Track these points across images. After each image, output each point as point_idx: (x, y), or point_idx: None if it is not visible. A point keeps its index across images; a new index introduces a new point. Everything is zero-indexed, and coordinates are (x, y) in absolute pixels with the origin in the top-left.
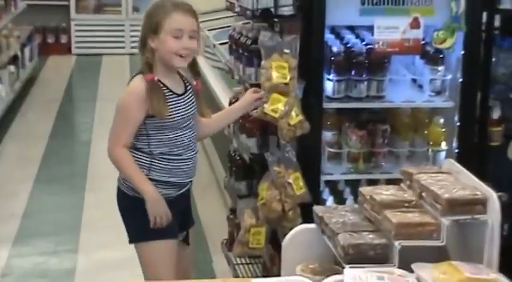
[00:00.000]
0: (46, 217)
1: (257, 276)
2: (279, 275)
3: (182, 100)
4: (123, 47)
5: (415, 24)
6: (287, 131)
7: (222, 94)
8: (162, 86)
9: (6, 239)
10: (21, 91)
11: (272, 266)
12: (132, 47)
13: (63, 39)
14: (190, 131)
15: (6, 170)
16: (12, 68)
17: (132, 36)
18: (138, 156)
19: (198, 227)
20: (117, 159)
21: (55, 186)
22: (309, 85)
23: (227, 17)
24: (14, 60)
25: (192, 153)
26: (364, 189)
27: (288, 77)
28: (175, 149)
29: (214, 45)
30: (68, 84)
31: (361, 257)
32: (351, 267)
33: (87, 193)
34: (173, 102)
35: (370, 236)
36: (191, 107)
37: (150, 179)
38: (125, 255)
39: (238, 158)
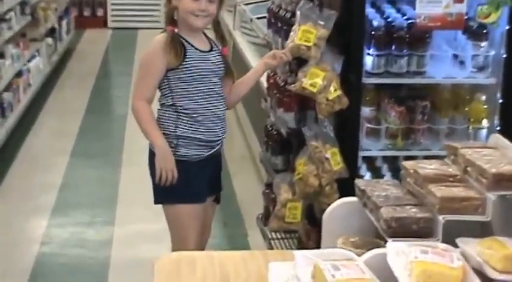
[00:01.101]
0: (83, 190)
1: None
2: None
3: (204, 56)
4: (158, 21)
5: None
6: (325, 106)
7: (254, 61)
8: (183, 40)
9: (45, 208)
10: (58, 64)
11: (308, 240)
12: None
13: (99, 12)
14: (214, 87)
15: (43, 143)
16: (50, 40)
17: None
18: (165, 112)
19: (233, 201)
20: (135, 112)
21: (91, 160)
22: (348, 60)
23: None
24: (52, 32)
25: (218, 110)
26: (407, 163)
27: (312, 42)
28: (198, 103)
29: (251, 20)
30: (104, 58)
31: (404, 230)
32: (393, 240)
33: (123, 168)
34: (193, 56)
35: (414, 209)
36: (215, 65)
37: (178, 136)
38: (160, 228)
39: (275, 132)
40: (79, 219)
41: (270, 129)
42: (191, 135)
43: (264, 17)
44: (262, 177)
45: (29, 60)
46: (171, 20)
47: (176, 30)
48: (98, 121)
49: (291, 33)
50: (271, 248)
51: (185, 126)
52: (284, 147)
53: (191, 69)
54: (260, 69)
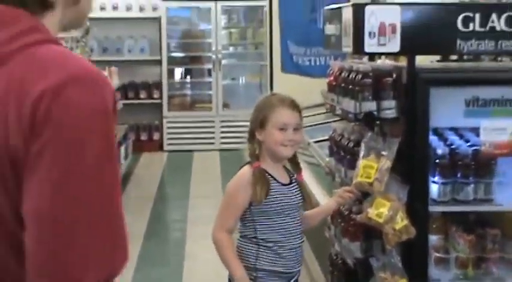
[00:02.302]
0: None
1: None
2: None
3: (287, 189)
4: (213, 143)
5: None
6: (392, 236)
7: (317, 190)
8: (267, 174)
9: None
10: None
11: None
12: (222, 143)
13: (156, 136)
14: (295, 220)
15: None
16: None
17: (222, 132)
18: (246, 245)
19: None
20: (216, 243)
21: None
22: (414, 188)
23: (319, 113)
24: None
25: (298, 241)
26: None
27: (373, 178)
28: (281, 236)
29: (308, 143)
30: (161, 182)
31: None
32: None
33: None
34: (277, 190)
35: None
36: (296, 197)
37: (258, 269)
38: None
39: (340, 261)
40: None
41: (335, 258)
42: (271, 268)
43: (322, 141)
44: None
45: None
46: (257, 156)
47: (260, 164)
48: (156, 247)
49: (356, 169)
50: None
51: (266, 259)
52: (351, 277)
53: (275, 204)
54: (331, 208)
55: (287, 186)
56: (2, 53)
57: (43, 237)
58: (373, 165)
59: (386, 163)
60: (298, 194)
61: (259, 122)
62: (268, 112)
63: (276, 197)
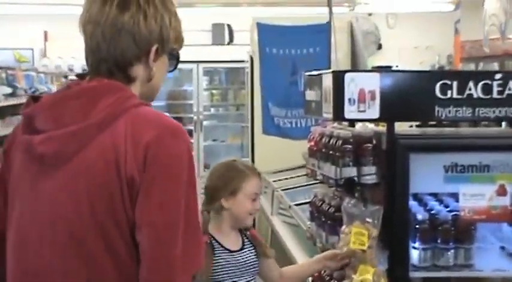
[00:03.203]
0: None
1: None
2: None
3: (237, 255)
4: None
5: (501, 191)
6: None
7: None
8: (214, 241)
9: None
10: None
11: None
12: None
13: None
14: None
15: None
16: None
17: (202, 194)
18: None
19: None
20: None
21: None
22: (394, 254)
23: (300, 176)
24: None
25: None
26: None
27: (366, 245)
28: None
29: (289, 206)
30: None
31: None
32: None
33: None
34: (224, 258)
35: None
36: (247, 262)
37: None
38: None
39: None
40: None
41: None
42: None
43: (303, 203)
44: None
45: None
46: (206, 225)
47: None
48: None
49: (342, 236)
50: None
51: None
52: None
53: (220, 274)
54: (315, 270)
55: (237, 253)
56: (117, 110)
57: (155, 241)
58: (364, 233)
59: (374, 231)
60: (251, 257)
61: (230, 191)
62: (240, 181)
63: (223, 266)
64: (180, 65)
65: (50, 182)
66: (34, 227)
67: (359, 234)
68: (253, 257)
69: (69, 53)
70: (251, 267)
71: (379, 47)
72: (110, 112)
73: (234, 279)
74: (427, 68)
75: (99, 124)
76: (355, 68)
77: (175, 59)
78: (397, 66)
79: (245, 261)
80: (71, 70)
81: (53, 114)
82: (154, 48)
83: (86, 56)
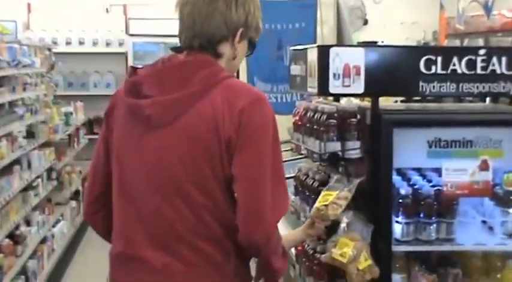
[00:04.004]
0: None
1: None
2: None
3: None
4: None
5: (484, 166)
6: (356, 276)
7: (280, 227)
8: None
9: None
10: (81, 226)
11: None
12: None
13: None
14: None
15: None
16: (74, 203)
17: None
18: None
19: None
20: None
21: None
22: (378, 228)
23: (285, 150)
24: (76, 195)
25: None
26: None
27: (329, 201)
28: None
29: None
30: None
31: None
32: None
33: None
34: None
35: None
36: None
37: None
38: None
39: None
40: None
41: None
42: None
43: (288, 178)
44: None
45: (54, 225)
46: None
47: None
48: None
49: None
50: None
51: None
52: None
53: None
54: (300, 238)
55: None
56: (212, 81)
57: (250, 192)
58: (331, 193)
59: (344, 194)
60: None
61: None
62: None
63: None
64: (164, 39)
65: (156, 141)
66: (142, 178)
67: (326, 195)
68: None
69: (53, 26)
70: None
71: (365, 22)
72: (207, 83)
73: None
74: (413, 44)
75: (197, 93)
76: (340, 43)
77: (253, 44)
78: (382, 42)
79: None
80: (54, 43)
81: (157, 82)
82: (240, 31)
83: (179, 32)
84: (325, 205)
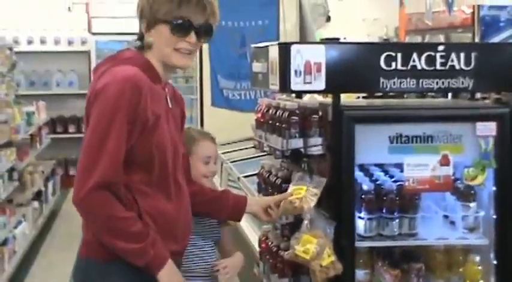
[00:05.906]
0: None
1: None
2: None
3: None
4: None
5: (444, 161)
6: (319, 273)
7: (244, 223)
8: None
9: None
10: (44, 227)
11: None
12: None
13: None
14: None
15: None
16: (36, 203)
17: None
18: None
19: None
20: None
21: None
22: (340, 224)
23: (248, 148)
24: (38, 195)
25: None
26: None
27: (302, 195)
28: None
29: (238, 178)
30: None
31: None
32: None
33: None
34: None
35: None
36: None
37: None
38: None
39: None
40: None
41: None
42: None
43: (252, 175)
44: None
45: (15, 227)
46: None
47: None
48: None
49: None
50: None
51: None
52: None
53: None
54: (255, 212)
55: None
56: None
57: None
58: (303, 188)
59: (315, 191)
60: (213, 223)
61: None
62: (192, 145)
63: None
64: (127, 37)
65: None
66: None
67: (298, 189)
68: (215, 223)
69: (14, 25)
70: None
71: (328, 19)
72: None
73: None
74: (375, 41)
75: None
76: (304, 40)
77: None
78: (345, 39)
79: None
80: (15, 42)
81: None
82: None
83: None
84: (298, 198)
